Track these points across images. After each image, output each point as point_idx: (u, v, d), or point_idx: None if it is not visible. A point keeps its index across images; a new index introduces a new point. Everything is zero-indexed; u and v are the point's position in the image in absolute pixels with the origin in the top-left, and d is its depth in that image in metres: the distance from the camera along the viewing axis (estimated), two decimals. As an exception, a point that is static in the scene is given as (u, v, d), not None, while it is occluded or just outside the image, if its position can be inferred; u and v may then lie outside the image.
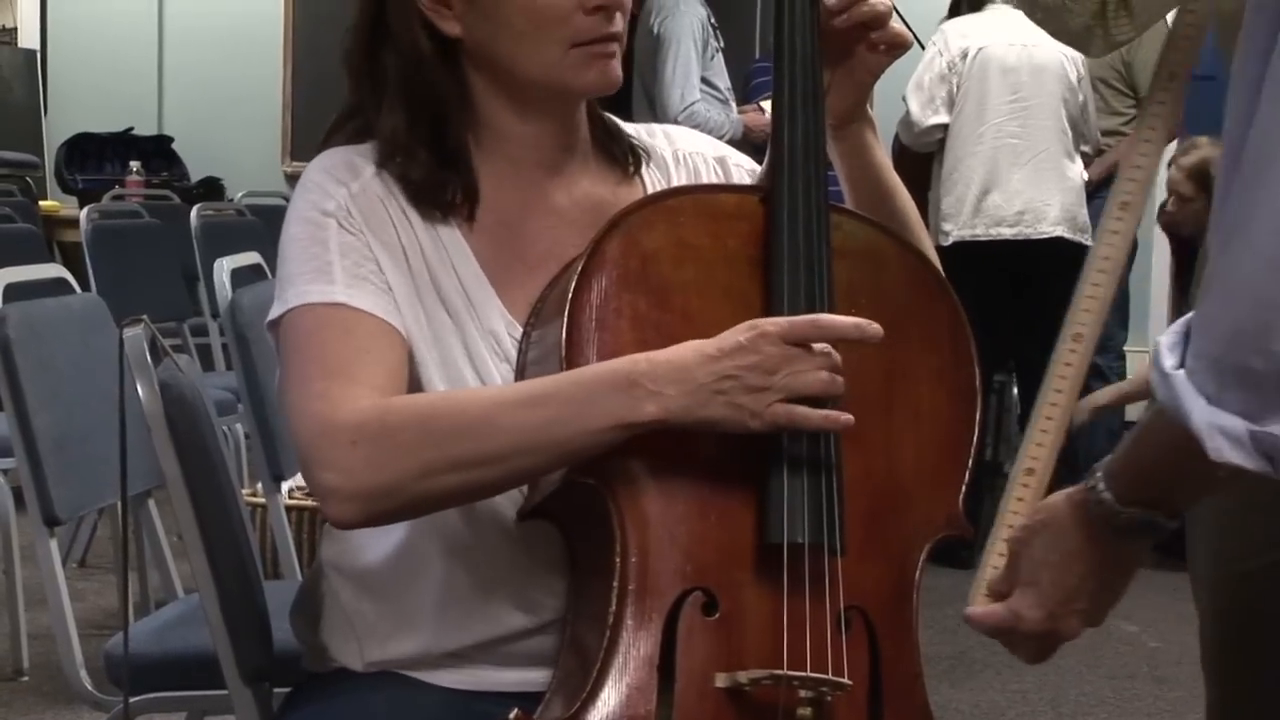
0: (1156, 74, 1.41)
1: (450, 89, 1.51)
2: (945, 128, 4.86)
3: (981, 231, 4.76)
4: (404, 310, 1.47)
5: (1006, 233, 4.76)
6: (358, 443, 1.35)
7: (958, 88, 4.82)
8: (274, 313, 1.47)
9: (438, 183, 1.50)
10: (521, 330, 1.50)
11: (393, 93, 1.51)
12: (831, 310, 1.40)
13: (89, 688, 2.17)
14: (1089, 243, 4.78)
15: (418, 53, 1.50)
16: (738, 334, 1.34)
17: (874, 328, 1.35)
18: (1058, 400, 1.32)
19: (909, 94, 4.91)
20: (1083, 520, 1.19)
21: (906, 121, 4.93)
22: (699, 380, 1.33)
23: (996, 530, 1.32)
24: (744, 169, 1.65)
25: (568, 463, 1.36)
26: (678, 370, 1.33)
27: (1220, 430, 0.99)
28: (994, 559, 1.30)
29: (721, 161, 1.65)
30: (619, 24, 1.48)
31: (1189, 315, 1.04)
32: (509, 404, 1.37)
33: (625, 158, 1.59)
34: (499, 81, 1.51)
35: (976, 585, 1.31)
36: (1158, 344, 1.05)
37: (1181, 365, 1.03)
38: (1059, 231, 4.76)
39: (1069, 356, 1.33)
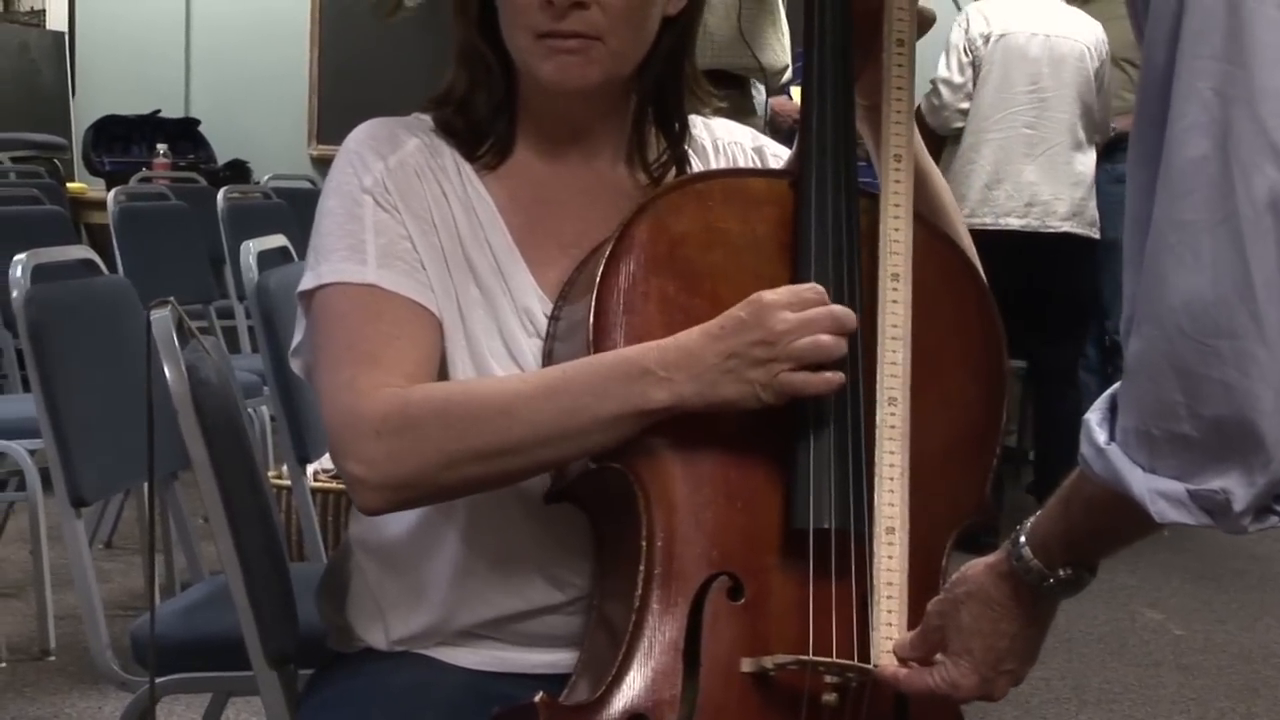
0: (881, 159, 1.47)
1: (494, 59, 1.52)
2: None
3: (991, 221, 4.70)
4: (434, 286, 1.47)
5: (1014, 223, 4.72)
6: (381, 434, 1.36)
7: (975, 71, 4.80)
8: (306, 284, 1.48)
9: (478, 135, 1.53)
10: (553, 308, 1.50)
11: (457, 54, 1.54)
12: (860, 295, 1.40)
13: (115, 668, 2.18)
14: (1097, 236, 4.80)
15: (468, 18, 1.53)
16: (739, 309, 1.34)
17: None
18: (894, 460, 1.38)
19: (940, 78, 4.88)
20: (1011, 587, 1.26)
21: (934, 105, 4.90)
22: (707, 362, 1.33)
23: (877, 590, 1.36)
24: (780, 158, 1.65)
25: (588, 451, 1.37)
26: (685, 355, 1.33)
27: (1160, 495, 1.07)
28: (884, 616, 1.35)
29: (759, 151, 1.66)
30: (575, 21, 1.44)
31: (1112, 389, 1.12)
32: (525, 394, 1.37)
33: (650, 169, 1.57)
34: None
35: (876, 644, 1.35)
36: (1087, 421, 1.13)
37: (1113, 438, 1.11)
38: (1068, 227, 4.74)
39: (891, 419, 1.38)
